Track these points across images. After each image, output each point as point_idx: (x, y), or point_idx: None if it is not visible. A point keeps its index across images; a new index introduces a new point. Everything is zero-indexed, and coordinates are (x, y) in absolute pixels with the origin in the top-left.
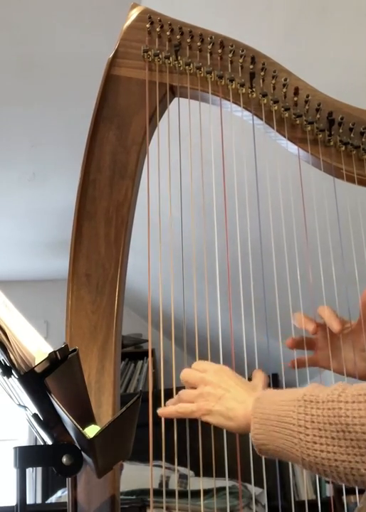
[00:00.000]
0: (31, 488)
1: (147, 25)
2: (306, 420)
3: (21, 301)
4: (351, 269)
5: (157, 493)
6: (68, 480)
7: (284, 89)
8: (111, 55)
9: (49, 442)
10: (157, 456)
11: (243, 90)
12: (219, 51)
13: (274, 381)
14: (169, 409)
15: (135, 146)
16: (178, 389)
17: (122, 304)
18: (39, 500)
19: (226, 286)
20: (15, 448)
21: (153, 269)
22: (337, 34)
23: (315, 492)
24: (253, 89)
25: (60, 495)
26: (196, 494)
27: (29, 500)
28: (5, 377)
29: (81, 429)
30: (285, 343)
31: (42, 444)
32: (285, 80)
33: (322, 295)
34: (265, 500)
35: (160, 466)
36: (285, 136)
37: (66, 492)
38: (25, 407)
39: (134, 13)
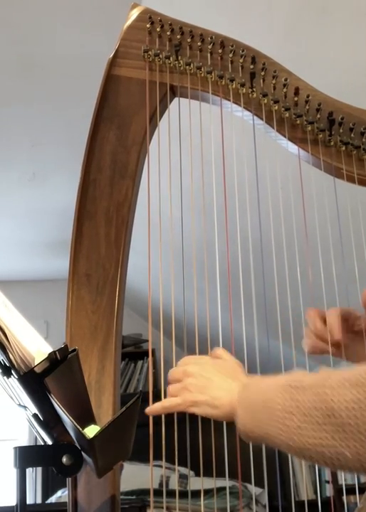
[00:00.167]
0: (31, 488)
1: (148, 25)
2: (292, 406)
3: (21, 301)
4: (351, 267)
5: (157, 493)
6: (68, 480)
7: (284, 89)
8: (111, 55)
9: (49, 442)
10: (157, 456)
11: (244, 90)
12: (220, 51)
13: None
14: (155, 406)
15: (135, 146)
16: None
17: (123, 303)
18: (39, 500)
19: (226, 286)
20: (15, 448)
21: (153, 269)
22: (337, 34)
23: (315, 492)
24: (254, 89)
25: (60, 495)
26: (196, 494)
27: (29, 500)
28: (5, 378)
29: (81, 429)
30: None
31: (42, 444)
32: (286, 80)
33: (323, 294)
34: (265, 500)
35: (160, 466)
36: (285, 136)
37: (66, 492)
38: (25, 407)
39: (134, 13)
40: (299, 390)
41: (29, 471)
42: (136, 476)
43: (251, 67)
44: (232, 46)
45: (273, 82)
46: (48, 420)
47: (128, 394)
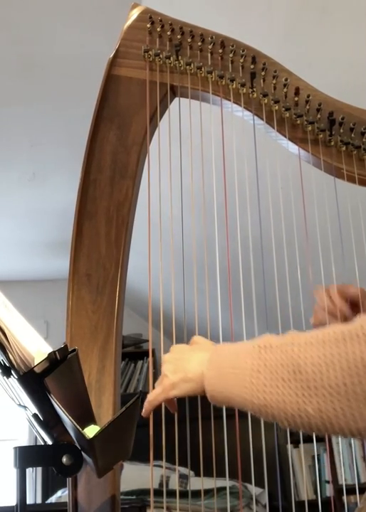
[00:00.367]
0: (31, 488)
1: (148, 25)
2: (260, 365)
3: (20, 301)
4: (351, 266)
5: (157, 493)
6: (69, 480)
7: (285, 89)
8: (112, 55)
9: (49, 442)
10: (157, 456)
11: (244, 90)
12: (220, 51)
13: None
14: (144, 406)
15: (136, 146)
16: None
17: (123, 303)
18: (39, 500)
19: (226, 286)
20: (15, 448)
21: (153, 269)
22: (337, 34)
23: (315, 492)
24: (254, 89)
25: (60, 495)
26: (196, 494)
27: (29, 500)
28: (5, 378)
29: (81, 429)
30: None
31: (42, 444)
32: (286, 80)
33: None
34: (265, 500)
35: (160, 466)
36: (285, 136)
37: (66, 492)
38: (25, 407)
39: (134, 13)
40: (267, 349)
41: (29, 471)
42: (136, 476)
43: (252, 67)
44: (232, 46)
45: (274, 82)
46: (48, 420)
47: (128, 394)
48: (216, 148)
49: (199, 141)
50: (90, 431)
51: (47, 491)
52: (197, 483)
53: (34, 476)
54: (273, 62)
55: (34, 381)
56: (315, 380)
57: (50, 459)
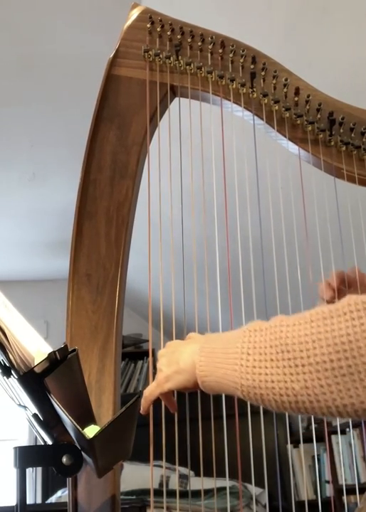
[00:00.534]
0: (31, 488)
1: (148, 25)
2: (249, 347)
3: (20, 301)
4: (351, 265)
5: (157, 493)
6: (69, 480)
7: (285, 89)
8: (112, 55)
9: (49, 442)
10: (157, 456)
11: (244, 90)
12: (220, 51)
13: None
14: (142, 404)
15: (136, 146)
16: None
17: (123, 303)
18: (39, 500)
19: (226, 285)
20: (15, 448)
21: (153, 269)
22: (337, 34)
23: (315, 492)
24: (254, 89)
25: (60, 495)
26: (196, 494)
27: (29, 500)
28: (5, 378)
29: (80, 429)
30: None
31: (42, 444)
32: (286, 80)
33: None
34: (265, 500)
35: (160, 466)
36: (285, 136)
37: (66, 492)
38: (25, 407)
39: (134, 13)
40: (257, 332)
41: (29, 471)
42: (136, 476)
43: (252, 67)
44: (232, 46)
45: (274, 82)
46: (48, 420)
47: (128, 394)
48: (216, 148)
49: (199, 141)
50: (90, 431)
51: (47, 491)
52: (197, 483)
53: (34, 476)
54: (273, 62)
55: (34, 381)
56: (301, 357)
57: (50, 459)
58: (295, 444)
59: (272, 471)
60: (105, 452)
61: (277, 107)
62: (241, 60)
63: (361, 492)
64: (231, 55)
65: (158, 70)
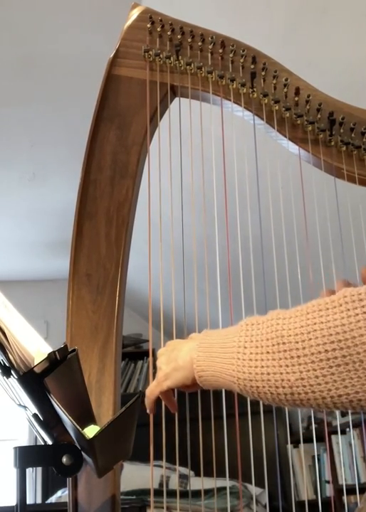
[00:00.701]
0: (31, 488)
1: (148, 25)
2: (246, 340)
3: (21, 301)
4: (351, 266)
5: (157, 493)
6: (69, 480)
7: (285, 89)
8: (112, 55)
9: (49, 442)
10: (157, 456)
11: (244, 90)
12: (220, 51)
13: None
14: (146, 404)
15: (136, 146)
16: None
17: (123, 303)
18: (39, 500)
19: (226, 285)
20: (15, 448)
21: (153, 269)
22: (337, 34)
23: (315, 492)
24: (254, 89)
25: (60, 495)
26: (196, 494)
27: (29, 500)
28: (5, 378)
29: (80, 429)
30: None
31: (42, 444)
32: (286, 80)
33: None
34: (265, 500)
35: (160, 466)
36: (286, 136)
37: (66, 492)
38: (25, 407)
39: (134, 13)
40: (254, 326)
41: (29, 471)
42: (136, 476)
43: (252, 67)
44: (232, 46)
45: (274, 82)
46: (48, 420)
47: (128, 394)
48: (216, 148)
49: (199, 141)
50: (90, 431)
51: (47, 491)
52: (197, 483)
53: (34, 476)
54: (273, 62)
55: (34, 381)
56: (297, 349)
57: (50, 459)
58: (295, 444)
59: (272, 471)
60: (105, 452)
61: (277, 107)
62: (241, 60)
63: (361, 492)
64: (231, 55)
65: (158, 69)
